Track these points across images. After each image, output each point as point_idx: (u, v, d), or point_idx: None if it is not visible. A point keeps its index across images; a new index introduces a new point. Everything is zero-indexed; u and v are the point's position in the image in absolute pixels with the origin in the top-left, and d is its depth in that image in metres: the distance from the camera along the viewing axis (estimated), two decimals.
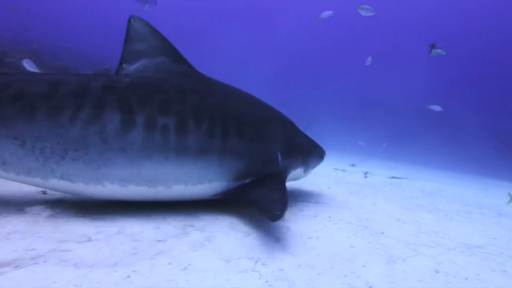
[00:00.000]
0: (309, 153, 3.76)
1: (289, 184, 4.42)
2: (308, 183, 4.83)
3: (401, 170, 11.13)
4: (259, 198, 2.49)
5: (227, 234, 2.27)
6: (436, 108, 10.73)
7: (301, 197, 3.82)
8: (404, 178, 7.87)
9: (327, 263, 2.00)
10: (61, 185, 2.22)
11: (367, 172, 7.84)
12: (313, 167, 3.89)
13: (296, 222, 2.81)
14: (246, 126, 2.78)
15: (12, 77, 2.30)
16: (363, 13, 8.57)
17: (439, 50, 8.56)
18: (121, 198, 2.40)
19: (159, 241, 2.02)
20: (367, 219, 3.19)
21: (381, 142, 16.54)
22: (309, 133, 4.02)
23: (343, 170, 8.20)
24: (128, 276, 1.57)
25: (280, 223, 2.69)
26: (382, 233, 2.80)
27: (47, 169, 2.14)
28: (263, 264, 1.86)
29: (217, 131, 2.52)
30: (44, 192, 2.85)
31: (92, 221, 2.23)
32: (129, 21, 2.72)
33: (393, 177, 7.81)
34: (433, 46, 8.63)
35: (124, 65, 2.71)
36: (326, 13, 10.16)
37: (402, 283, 1.86)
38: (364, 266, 2.04)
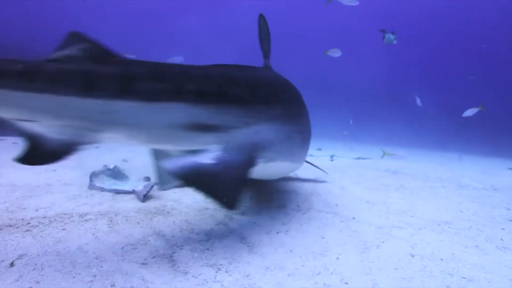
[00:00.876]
0: None
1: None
2: None
3: (363, 150, 11.38)
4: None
5: (186, 239, 2.00)
6: (418, 101, 10.82)
7: (268, 185, 3.61)
8: (368, 159, 7.99)
9: (298, 261, 1.80)
10: None
11: (333, 155, 7.84)
12: None
13: (263, 215, 2.59)
14: None
15: None
16: (345, 3, 7.98)
17: (392, 36, 8.40)
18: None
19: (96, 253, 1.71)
20: (336, 205, 3.05)
21: (346, 125, 16.80)
22: None
23: (310, 155, 8.14)
24: None
25: (245, 218, 2.47)
26: (353, 218, 2.67)
27: None
28: (226, 272, 1.62)
29: None
30: None
31: None
32: (260, 19, 3.26)
33: (359, 158, 7.90)
34: (384, 32, 8.51)
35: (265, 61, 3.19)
36: None
37: (379, 274, 1.71)
38: (337, 258, 1.87)
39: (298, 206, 2.93)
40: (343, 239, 2.19)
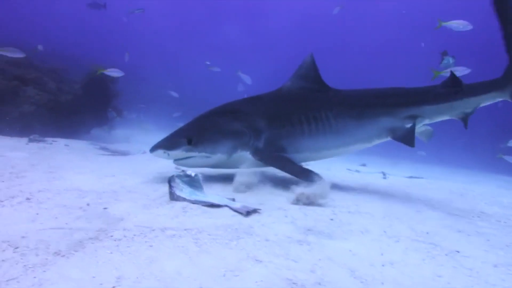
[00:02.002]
0: None
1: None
2: (331, 186, 4.35)
3: (407, 168, 10.78)
4: None
5: (287, 268, 1.75)
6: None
7: (337, 204, 3.31)
8: (421, 178, 7.47)
9: None
10: None
11: (383, 172, 7.39)
12: None
13: (352, 241, 2.30)
14: None
15: None
16: (456, 29, 7.10)
17: (451, 60, 7.71)
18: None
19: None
20: (427, 233, 2.70)
21: (422, 145, 15.70)
22: None
23: (357, 171, 7.74)
24: None
25: (336, 244, 2.19)
26: (457, 252, 2.31)
27: None
28: None
29: None
30: None
31: None
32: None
33: (411, 177, 7.40)
34: (445, 54, 7.81)
35: None
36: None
37: None
38: None
39: (385, 232, 2.61)
40: (465, 280, 1.85)
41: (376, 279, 1.73)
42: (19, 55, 6.53)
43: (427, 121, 4.40)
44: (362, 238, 2.40)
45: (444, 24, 6.74)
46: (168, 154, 3.71)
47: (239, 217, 2.55)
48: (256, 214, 2.63)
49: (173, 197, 2.78)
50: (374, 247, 2.23)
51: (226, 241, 2.01)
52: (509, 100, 4.33)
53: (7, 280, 1.37)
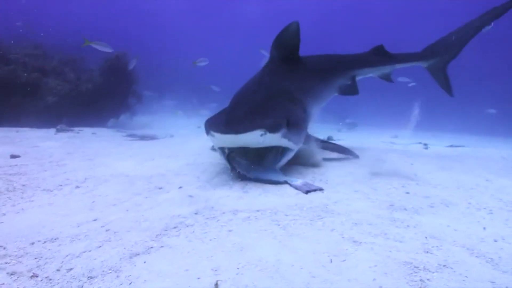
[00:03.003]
0: None
1: (373, 165, 3.66)
2: (380, 159, 4.09)
3: (442, 138, 10.29)
4: None
5: (388, 247, 1.50)
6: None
7: (398, 177, 3.03)
8: (462, 146, 7.04)
9: None
10: None
11: (421, 142, 7.00)
12: None
13: (443, 216, 2.03)
14: None
15: None
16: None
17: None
18: None
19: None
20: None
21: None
22: None
23: (391, 143, 7.37)
24: None
25: (429, 220, 1.93)
26: None
27: None
28: None
29: None
30: None
31: None
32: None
33: (451, 146, 6.98)
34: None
35: None
36: None
37: None
38: None
39: (470, 203, 2.33)
40: None
41: (501, 257, 1.46)
42: (108, 49, 6.60)
43: (360, 77, 5.25)
44: (451, 212, 2.13)
45: None
46: (263, 139, 2.48)
47: (314, 198, 2.31)
48: (320, 191, 2.39)
49: (233, 171, 2.60)
50: (470, 221, 1.96)
51: (308, 221, 1.77)
52: (427, 70, 5.64)
53: (88, 278, 1.18)
